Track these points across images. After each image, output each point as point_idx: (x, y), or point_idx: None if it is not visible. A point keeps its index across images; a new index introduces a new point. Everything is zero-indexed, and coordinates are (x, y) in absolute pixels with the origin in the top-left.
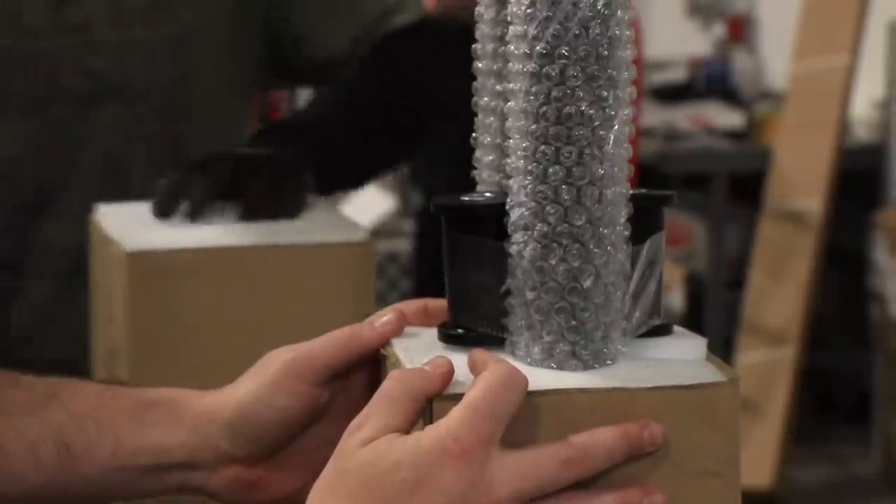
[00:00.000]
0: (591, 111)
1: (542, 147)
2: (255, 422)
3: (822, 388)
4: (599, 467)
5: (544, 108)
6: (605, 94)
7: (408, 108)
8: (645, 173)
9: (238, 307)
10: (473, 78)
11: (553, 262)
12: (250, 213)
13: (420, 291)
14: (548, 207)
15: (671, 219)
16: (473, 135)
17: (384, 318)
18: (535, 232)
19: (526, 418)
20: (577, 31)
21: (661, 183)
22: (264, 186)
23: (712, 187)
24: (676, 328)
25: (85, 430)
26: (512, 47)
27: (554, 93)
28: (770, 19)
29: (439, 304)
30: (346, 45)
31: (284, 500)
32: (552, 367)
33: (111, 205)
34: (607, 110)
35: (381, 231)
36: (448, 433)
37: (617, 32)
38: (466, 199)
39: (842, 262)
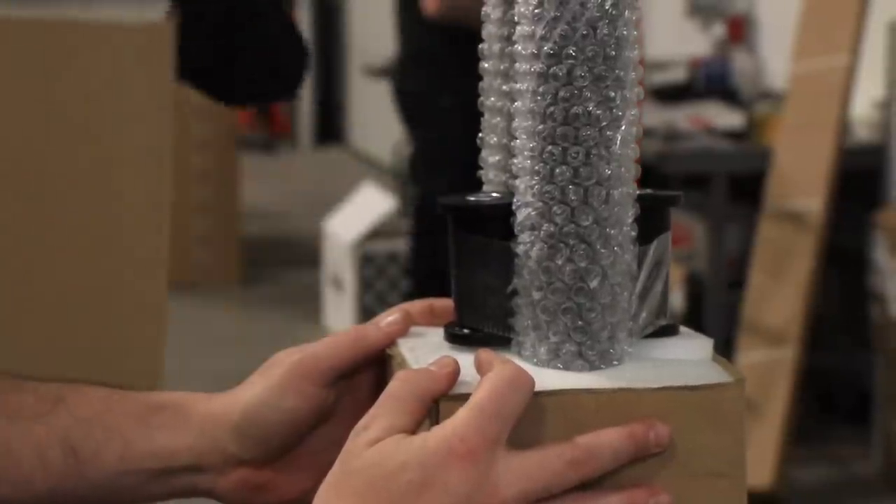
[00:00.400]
0: (598, 111)
1: (550, 147)
2: (261, 424)
3: (823, 388)
4: (605, 468)
5: (551, 109)
6: (613, 94)
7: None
8: (645, 173)
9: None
10: None
11: (560, 262)
12: None
13: (419, 291)
14: (555, 208)
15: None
16: (479, 135)
17: (390, 318)
18: (542, 232)
19: (532, 419)
20: (584, 32)
21: (661, 183)
22: None
23: (712, 187)
24: (682, 328)
25: (92, 434)
26: (519, 47)
27: (561, 93)
28: (770, 19)
29: (445, 303)
30: None
31: (293, 501)
32: (558, 368)
33: None
34: (615, 111)
35: (381, 231)
36: (454, 434)
37: (625, 33)
38: (473, 199)
39: (842, 262)
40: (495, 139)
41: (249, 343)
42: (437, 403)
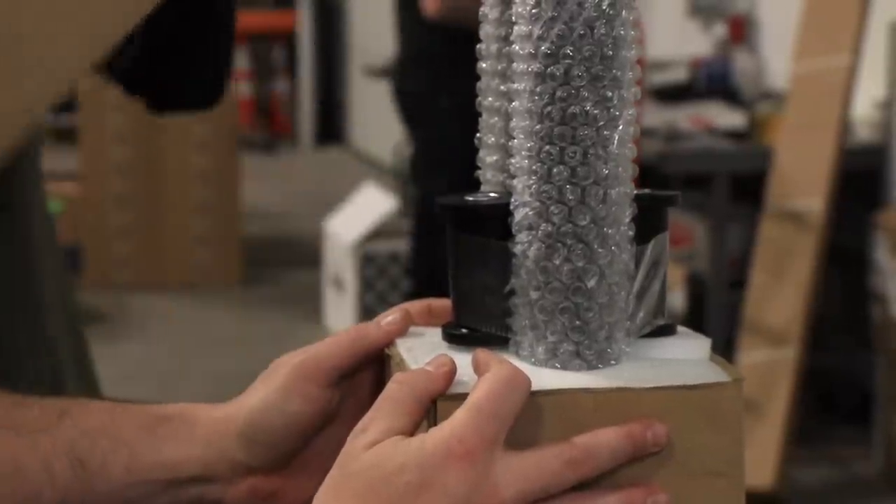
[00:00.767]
0: (595, 111)
1: (547, 147)
2: (267, 429)
3: (824, 389)
4: (603, 468)
5: (549, 108)
6: (610, 94)
7: None
8: (646, 173)
9: None
10: None
11: (557, 262)
12: None
13: (420, 291)
14: (552, 207)
15: (672, 219)
16: (477, 135)
17: (390, 317)
18: (540, 232)
19: (530, 418)
20: (581, 32)
21: (662, 183)
22: None
23: (713, 187)
24: (680, 328)
25: (98, 446)
26: (516, 47)
27: (558, 93)
28: (771, 19)
29: (443, 303)
30: None
31: None
32: (556, 367)
33: None
34: (612, 110)
35: (381, 231)
36: (452, 435)
37: (622, 32)
38: (471, 199)
39: (843, 262)
40: (493, 139)
41: (250, 343)
42: (434, 404)
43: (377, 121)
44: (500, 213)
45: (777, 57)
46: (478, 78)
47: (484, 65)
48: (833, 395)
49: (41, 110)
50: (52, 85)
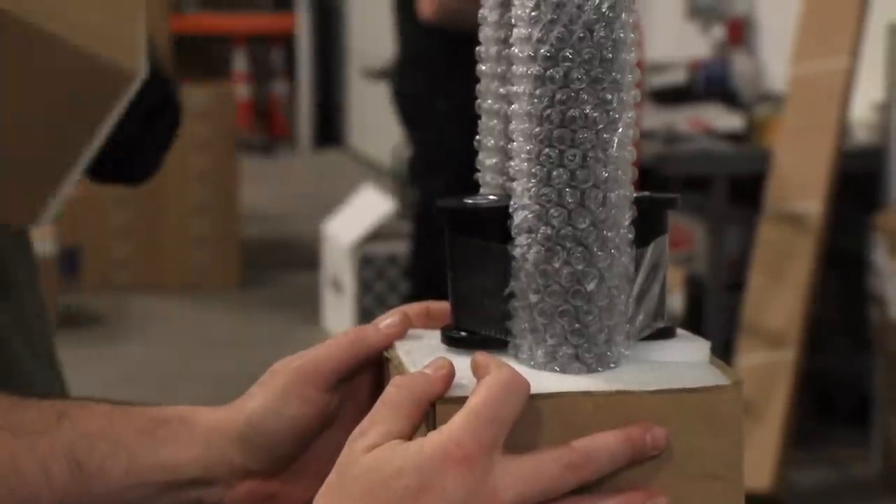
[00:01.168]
0: (595, 114)
1: (546, 150)
2: (266, 432)
3: (822, 391)
4: (602, 471)
5: (548, 111)
6: (609, 96)
7: None
8: (645, 175)
9: None
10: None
11: (557, 265)
12: None
13: (418, 293)
14: (551, 210)
15: (671, 221)
16: (476, 137)
17: (388, 320)
18: (539, 235)
19: (529, 422)
20: (581, 34)
21: (661, 185)
22: None
23: (712, 189)
24: (680, 331)
25: (97, 448)
26: (516, 50)
27: (558, 95)
28: (769, 22)
29: (441, 306)
30: None
31: None
32: (555, 371)
33: None
34: (611, 113)
35: (380, 233)
36: (451, 439)
37: (621, 35)
38: (470, 201)
39: (841, 264)
40: (492, 142)
41: (249, 345)
42: (433, 407)
43: (376, 123)
44: (499, 216)
45: (775, 59)
46: (476, 80)
47: (483, 67)
48: (831, 398)
49: None
50: None
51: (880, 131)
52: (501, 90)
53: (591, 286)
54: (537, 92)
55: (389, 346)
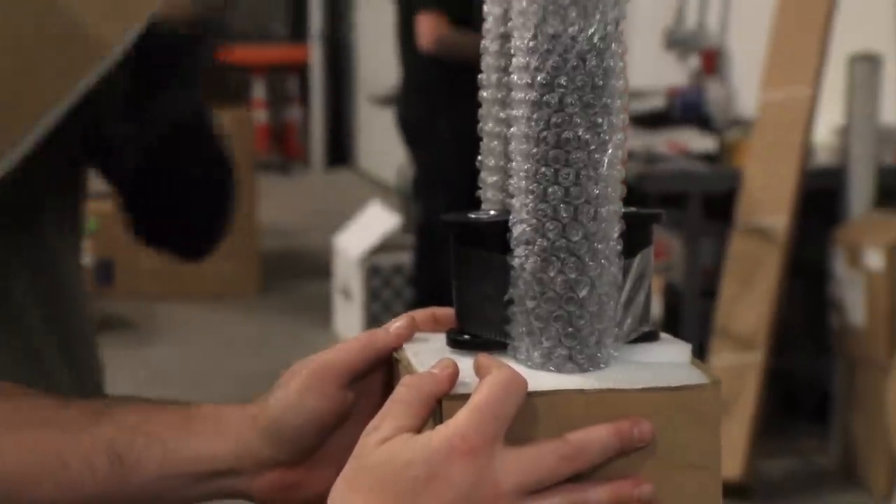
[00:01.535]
0: (587, 136)
1: (543, 169)
2: (288, 426)
3: (787, 389)
4: (595, 462)
5: (544, 133)
6: (600, 120)
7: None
8: (627, 193)
9: None
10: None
11: (552, 274)
12: None
13: (422, 300)
14: (547, 224)
15: None
16: (478, 157)
17: (397, 323)
18: (536, 246)
19: (527, 417)
20: (574, 63)
21: (641, 202)
22: None
23: (688, 205)
24: (663, 335)
25: (135, 442)
26: (515, 77)
27: (553, 119)
28: (740, 53)
29: (446, 311)
30: None
31: (320, 496)
32: (551, 370)
33: None
34: (602, 135)
35: (386, 245)
36: (456, 433)
37: (611, 64)
38: (473, 216)
39: (805, 273)
40: (493, 161)
41: (268, 347)
42: (440, 403)
43: (382, 145)
44: (499, 230)
45: (746, 87)
46: (472, 104)
47: (485, 93)
48: (795, 395)
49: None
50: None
51: (840, 153)
52: (501, 114)
53: (583, 293)
54: (534, 116)
55: (399, 347)
